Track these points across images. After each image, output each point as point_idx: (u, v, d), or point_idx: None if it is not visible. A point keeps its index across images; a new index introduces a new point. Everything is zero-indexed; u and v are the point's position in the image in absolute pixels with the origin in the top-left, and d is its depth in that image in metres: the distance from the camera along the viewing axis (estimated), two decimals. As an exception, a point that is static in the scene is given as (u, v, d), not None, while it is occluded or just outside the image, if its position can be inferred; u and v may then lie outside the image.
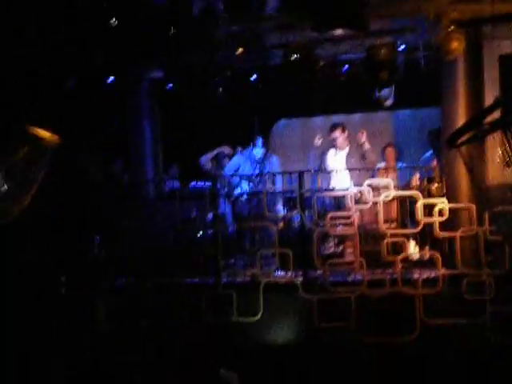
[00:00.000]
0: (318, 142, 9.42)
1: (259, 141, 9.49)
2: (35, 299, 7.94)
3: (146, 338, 8.15)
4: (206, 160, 9.90)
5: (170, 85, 9.55)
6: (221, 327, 8.13)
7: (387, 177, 9.02)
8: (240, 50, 8.73)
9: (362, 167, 9.16)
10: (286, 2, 7.51)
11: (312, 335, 8.05)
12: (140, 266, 8.47)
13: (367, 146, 9.25)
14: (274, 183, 9.27)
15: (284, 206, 9.15)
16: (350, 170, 9.26)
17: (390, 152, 9.68)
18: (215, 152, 9.94)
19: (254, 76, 10.01)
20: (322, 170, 9.29)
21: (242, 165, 9.49)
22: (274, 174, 9.28)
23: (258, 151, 9.49)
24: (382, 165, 9.62)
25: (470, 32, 8.23)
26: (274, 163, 9.52)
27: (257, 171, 9.35)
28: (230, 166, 9.58)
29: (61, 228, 8.28)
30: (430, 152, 9.30)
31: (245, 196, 9.14)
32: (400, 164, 9.66)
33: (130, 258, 8.52)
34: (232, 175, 9.40)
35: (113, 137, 9.81)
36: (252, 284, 8.26)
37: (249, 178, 9.26)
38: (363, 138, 9.29)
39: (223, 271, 8.53)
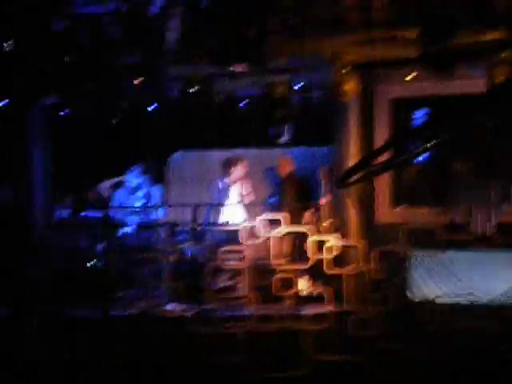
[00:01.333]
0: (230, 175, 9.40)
1: (136, 170, 9.31)
2: None
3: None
4: (105, 187, 9.70)
5: (64, 112, 9.36)
6: (105, 361, 7.93)
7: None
8: (138, 80, 8.69)
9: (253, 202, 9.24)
10: (184, 36, 7.53)
11: (201, 370, 7.96)
12: (23, 295, 8.19)
13: (252, 197, 9.30)
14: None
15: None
16: (244, 204, 9.30)
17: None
18: (116, 180, 9.76)
19: (152, 107, 9.99)
20: (222, 203, 9.28)
21: (121, 198, 9.32)
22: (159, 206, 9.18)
23: (133, 180, 9.30)
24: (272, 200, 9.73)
25: (364, 75, 8.48)
26: (155, 193, 9.38)
27: (139, 202, 9.21)
28: (115, 200, 9.38)
29: None
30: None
31: (134, 228, 9.01)
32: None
33: (14, 287, 8.24)
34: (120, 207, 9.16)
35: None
36: (141, 317, 8.12)
37: (136, 210, 9.12)
38: (246, 191, 9.34)
39: (112, 304, 8.35)
